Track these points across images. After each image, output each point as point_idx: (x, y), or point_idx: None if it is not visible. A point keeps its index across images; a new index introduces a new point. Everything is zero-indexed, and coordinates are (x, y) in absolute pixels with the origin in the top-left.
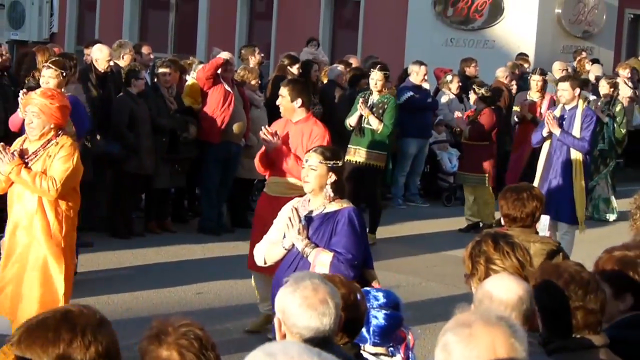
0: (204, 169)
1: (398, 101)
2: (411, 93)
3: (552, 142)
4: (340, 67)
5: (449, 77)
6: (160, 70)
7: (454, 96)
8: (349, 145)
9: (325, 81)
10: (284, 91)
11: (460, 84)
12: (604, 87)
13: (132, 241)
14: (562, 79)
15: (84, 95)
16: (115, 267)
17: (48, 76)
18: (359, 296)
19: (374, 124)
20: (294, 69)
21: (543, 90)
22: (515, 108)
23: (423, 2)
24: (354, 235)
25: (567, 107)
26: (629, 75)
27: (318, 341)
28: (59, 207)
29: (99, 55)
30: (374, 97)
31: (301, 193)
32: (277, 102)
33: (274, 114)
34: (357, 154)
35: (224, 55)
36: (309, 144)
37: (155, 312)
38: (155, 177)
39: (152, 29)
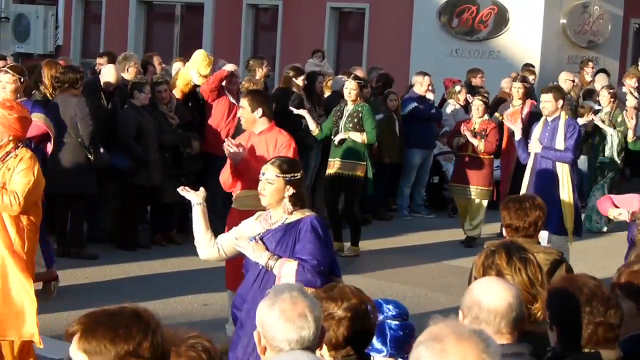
0: (209, 182)
1: (402, 112)
2: (415, 104)
3: (536, 155)
4: (345, 79)
5: (457, 88)
6: (157, 88)
7: (459, 107)
8: (329, 159)
9: (329, 92)
10: (244, 102)
11: (468, 94)
12: (604, 98)
13: (137, 253)
14: (545, 90)
15: (87, 108)
16: (120, 279)
17: (5, 81)
18: (369, 307)
19: (356, 138)
20: (299, 81)
21: (525, 97)
22: (497, 115)
23: (428, 13)
24: (318, 241)
25: (550, 119)
26: (636, 84)
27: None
28: (20, 222)
29: (108, 78)
30: (349, 107)
31: None
32: (238, 114)
33: (278, 124)
34: (335, 166)
35: (229, 67)
36: (275, 154)
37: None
38: (161, 191)
39: (157, 40)
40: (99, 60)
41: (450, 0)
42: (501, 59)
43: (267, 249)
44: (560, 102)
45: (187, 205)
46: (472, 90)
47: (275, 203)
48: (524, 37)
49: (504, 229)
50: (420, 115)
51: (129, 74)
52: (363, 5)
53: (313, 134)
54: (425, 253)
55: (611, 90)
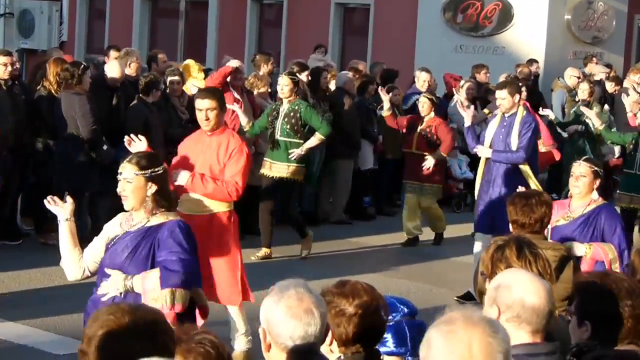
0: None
1: (404, 106)
2: (417, 97)
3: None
4: (350, 74)
5: (462, 82)
6: (170, 78)
7: (466, 102)
8: (264, 158)
9: (333, 88)
10: (211, 103)
11: (473, 89)
12: (584, 91)
13: None
14: (500, 87)
15: (87, 106)
16: None
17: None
18: (381, 304)
19: (313, 143)
20: (302, 76)
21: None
22: (485, 111)
23: (432, 8)
24: (179, 247)
25: (507, 115)
26: (639, 80)
27: (303, 351)
28: None
29: (112, 73)
30: (284, 106)
31: (215, 211)
32: (199, 117)
33: None
34: (273, 168)
35: (233, 63)
36: (225, 157)
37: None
38: None
39: (161, 36)
40: (113, 53)
41: None
42: (506, 54)
43: (123, 272)
44: (517, 97)
45: None
46: (479, 86)
47: (138, 204)
48: (528, 33)
49: (510, 225)
50: None
51: (131, 70)
52: (367, 1)
53: (244, 129)
54: (429, 249)
55: (591, 85)
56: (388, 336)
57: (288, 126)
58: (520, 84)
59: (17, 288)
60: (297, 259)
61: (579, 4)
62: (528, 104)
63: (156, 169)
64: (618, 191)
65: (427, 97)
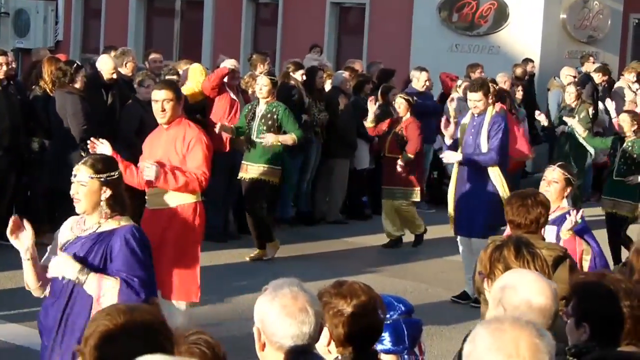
0: (210, 178)
1: None
2: (414, 98)
3: (462, 151)
4: (345, 74)
5: (459, 82)
6: (168, 77)
7: (464, 101)
8: (242, 161)
9: (328, 88)
10: (168, 94)
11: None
12: (570, 95)
13: None
14: (475, 89)
15: (79, 105)
16: None
17: None
18: (378, 304)
19: (287, 141)
20: (297, 75)
21: (494, 98)
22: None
23: (428, 8)
24: (134, 256)
25: (476, 115)
26: (635, 79)
27: (298, 350)
28: None
29: (103, 67)
30: (261, 107)
31: (184, 204)
32: (156, 108)
33: None
34: (249, 170)
35: (229, 63)
36: (183, 149)
37: None
38: None
39: (157, 36)
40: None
41: None
42: (501, 54)
43: (76, 260)
44: (490, 97)
45: None
46: None
47: (91, 209)
48: (524, 32)
49: (507, 225)
50: (419, 109)
51: (127, 69)
52: (363, 0)
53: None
54: (425, 248)
55: (578, 87)
56: (385, 335)
57: (265, 127)
58: (489, 85)
59: (13, 287)
60: (293, 258)
61: (574, 3)
62: (504, 107)
63: (112, 174)
64: (602, 196)
65: (404, 98)
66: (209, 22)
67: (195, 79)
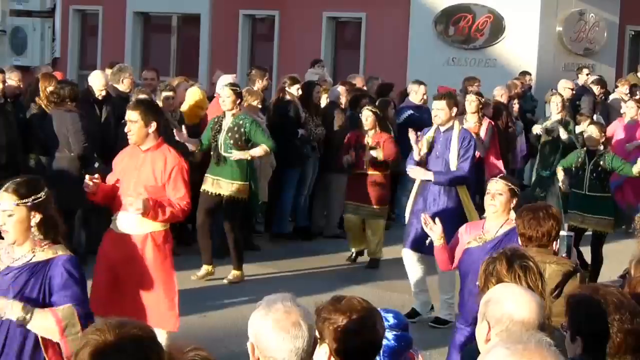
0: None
1: (398, 121)
2: (411, 112)
3: (428, 167)
4: (340, 89)
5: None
6: (164, 94)
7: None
8: (206, 174)
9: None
10: (134, 115)
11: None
12: (555, 105)
13: None
14: (438, 97)
15: (79, 124)
16: None
17: None
18: (377, 319)
19: (257, 153)
20: (293, 90)
21: (480, 111)
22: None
23: (424, 21)
24: (77, 285)
25: (442, 129)
26: (627, 91)
27: None
28: None
29: (94, 83)
30: (228, 120)
31: (155, 231)
32: (125, 129)
33: (275, 136)
34: (215, 185)
35: (226, 77)
36: (164, 177)
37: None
38: None
39: (154, 52)
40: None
41: (446, 9)
42: (498, 67)
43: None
44: (455, 109)
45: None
46: None
47: (22, 238)
48: (520, 45)
49: (518, 238)
50: (416, 123)
51: (124, 85)
52: (359, 14)
53: (195, 151)
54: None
55: (563, 98)
56: None
57: (231, 141)
58: (457, 99)
59: None
60: (291, 273)
61: (570, 15)
62: (492, 123)
63: (38, 195)
64: (569, 210)
65: (371, 111)
66: (206, 38)
67: (193, 100)
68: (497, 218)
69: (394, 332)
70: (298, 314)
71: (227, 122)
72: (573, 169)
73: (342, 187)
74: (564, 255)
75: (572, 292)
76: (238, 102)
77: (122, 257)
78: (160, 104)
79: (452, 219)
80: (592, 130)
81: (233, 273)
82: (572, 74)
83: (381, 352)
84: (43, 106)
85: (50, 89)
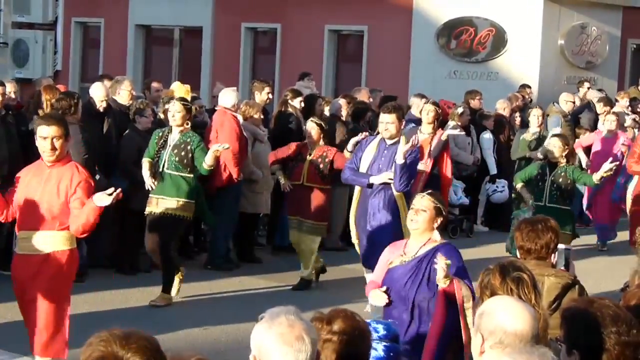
0: (224, 206)
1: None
2: (413, 125)
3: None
4: (341, 101)
5: (459, 110)
6: (168, 106)
7: (460, 129)
8: (150, 195)
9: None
10: (56, 130)
11: (469, 116)
12: (534, 118)
13: (138, 278)
14: (388, 111)
15: (79, 135)
16: (121, 304)
17: None
18: (363, 330)
19: (208, 160)
20: (296, 102)
21: (436, 123)
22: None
23: (426, 34)
24: None
25: (389, 142)
26: (627, 104)
27: None
28: None
29: (95, 95)
30: (175, 136)
31: (58, 250)
32: (42, 146)
33: (277, 144)
34: (159, 204)
35: (229, 94)
36: (70, 192)
37: (162, 347)
38: None
39: (156, 64)
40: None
41: (448, 22)
42: (500, 80)
43: None
44: (403, 122)
45: (187, 228)
46: (472, 112)
47: None
48: (522, 58)
49: (517, 251)
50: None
51: (122, 97)
52: (361, 27)
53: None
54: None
55: (543, 111)
56: None
57: (177, 159)
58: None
59: (11, 319)
60: (291, 286)
61: (572, 29)
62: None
63: None
64: None
65: (316, 123)
66: (208, 51)
67: (179, 95)
68: (419, 236)
69: (384, 344)
70: (301, 327)
71: (174, 138)
72: (533, 180)
73: (343, 199)
74: (562, 268)
75: (567, 305)
76: (188, 117)
77: (21, 280)
78: (162, 115)
79: (390, 234)
80: (554, 143)
81: (161, 296)
82: (574, 87)
83: None
84: None
85: (53, 101)
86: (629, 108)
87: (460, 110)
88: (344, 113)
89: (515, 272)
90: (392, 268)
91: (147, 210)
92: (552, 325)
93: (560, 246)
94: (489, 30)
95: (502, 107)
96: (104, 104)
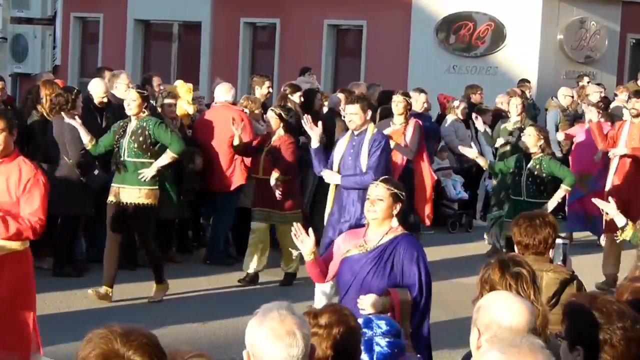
0: (223, 201)
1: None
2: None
3: (340, 173)
4: (340, 96)
5: (455, 103)
6: (166, 101)
7: (460, 122)
8: (111, 184)
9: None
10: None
11: (467, 110)
12: (514, 107)
13: (136, 273)
14: (351, 101)
15: (77, 130)
16: (120, 298)
17: None
18: (352, 325)
19: (165, 160)
20: (295, 97)
21: (407, 113)
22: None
23: (425, 29)
24: None
25: (356, 133)
26: (626, 98)
27: None
28: None
29: (94, 90)
30: (132, 124)
31: (7, 252)
32: None
33: None
34: (122, 194)
35: (229, 91)
36: (18, 190)
37: (160, 342)
38: (160, 208)
39: (155, 59)
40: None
41: (447, 17)
42: (499, 74)
43: None
44: (369, 113)
45: (186, 223)
46: (472, 106)
47: None
48: (521, 53)
49: (515, 246)
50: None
51: (118, 91)
52: (360, 22)
53: (87, 147)
54: None
55: (523, 100)
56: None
57: (135, 145)
58: (370, 102)
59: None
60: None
61: (571, 23)
62: (419, 122)
63: None
64: (504, 219)
65: (275, 112)
66: (207, 46)
67: (184, 97)
68: (378, 225)
69: (387, 339)
70: (293, 322)
71: (132, 126)
72: (509, 173)
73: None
74: (559, 263)
75: (568, 300)
76: (144, 106)
77: None
78: (160, 110)
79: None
80: (528, 132)
81: (155, 288)
82: (573, 82)
83: (375, 358)
84: (45, 114)
85: (52, 96)
86: (629, 102)
87: (456, 103)
88: (342, 107)
89: (515, 268)
90: (349, 257)
91: (109, 199)
92: (551, 321)
93: (558, 241)
94: (488, 25)
95: (501, 102)
96: (105, 100)
